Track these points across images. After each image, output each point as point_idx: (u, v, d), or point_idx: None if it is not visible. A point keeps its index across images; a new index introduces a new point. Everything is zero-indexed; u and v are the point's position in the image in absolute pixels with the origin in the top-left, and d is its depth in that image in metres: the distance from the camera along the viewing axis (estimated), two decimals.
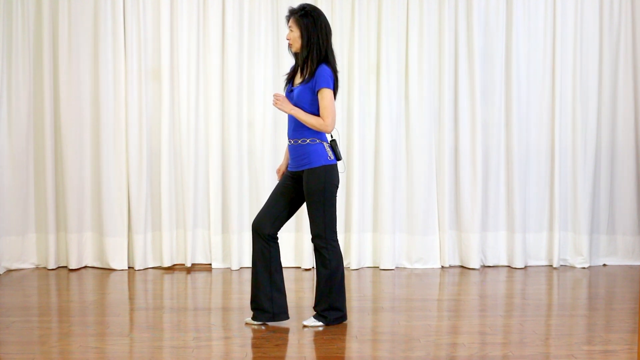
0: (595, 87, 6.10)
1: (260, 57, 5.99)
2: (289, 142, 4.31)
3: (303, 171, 4.26)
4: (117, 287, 5.44)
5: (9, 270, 5.88)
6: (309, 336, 4.17)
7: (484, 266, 6.14)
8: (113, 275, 5.81)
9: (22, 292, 5.25)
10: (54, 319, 4.59)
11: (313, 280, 5.49)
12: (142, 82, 5.93)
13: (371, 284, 5.57)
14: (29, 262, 5.99)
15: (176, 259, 6.06)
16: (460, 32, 6.03)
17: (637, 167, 6.16)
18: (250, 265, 5.98)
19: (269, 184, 5.93)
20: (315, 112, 4.21)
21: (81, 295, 5.25)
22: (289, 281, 5.27)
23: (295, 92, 4.25)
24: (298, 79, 4.30)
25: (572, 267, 6.11)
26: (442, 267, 6.09)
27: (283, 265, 4.57)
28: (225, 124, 5.99)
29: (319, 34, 4.20)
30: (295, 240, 6.03)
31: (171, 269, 6.02)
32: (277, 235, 4.37)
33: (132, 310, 4.81)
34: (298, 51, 4.26)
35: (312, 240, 4.28)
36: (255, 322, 4.36)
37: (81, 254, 5.97)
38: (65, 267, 5.98)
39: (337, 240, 4.29)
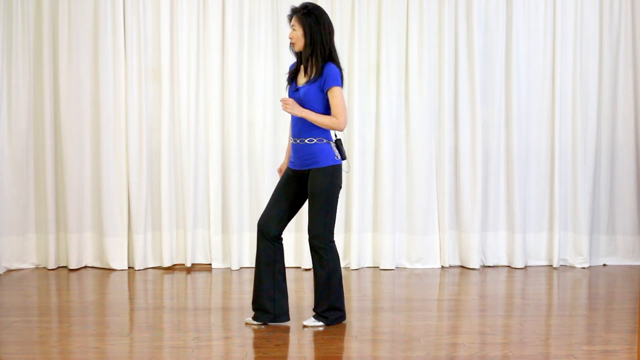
0: (595, 87, 6.10)
1: (260, 57, 5.99)
2: (294, 141, 4.28)
3: (308, 170, 4.25)
4: (117, 287, 5.44)
5: (9, 270, 5.87)
6: (308, 336, 4.17)
7: (484, 266, 6.13)
8: (113, 275, 5.81)
9: (22, 292, 5.25)
10: (54, 319, 4.59)
11: (312, 280, 5.48)
12: (142, 82, 5.92)
13: (371, 284, 5.57)
14: (29, 262, 5.98)
15: (176, 259, 6.06)
16: (460, 32, 6.03)
17: (637, 167, 6.16)
18: (250, 265, 6.06)
19: (269, 184, 5.93)
20: (321, 110, 4.21)
21: (81, 295, 5.25)
22: (289, 281, 5.24)
23: (302, 91, 4.22)
24: (302, 78, 4.28)
25: (572, 267, 6.11)
26: (442, 267, 6.09)
27: None
28: (225, 124, 5.99)
29: (322, 32, 4.19)
30: (295, 240, 6.03)
31: (171, 269, 6.02)
32: (282, 236, 4.36)
33: (132, 310, 4.81)
34: (301, 50, 4.24)
35: (310, 240, 4.27)
36: (256, 322, 4.36)
37: (81, 254, 5.97)
38: (65, 267, 5.98)
39: (334, 241, 4.29)
